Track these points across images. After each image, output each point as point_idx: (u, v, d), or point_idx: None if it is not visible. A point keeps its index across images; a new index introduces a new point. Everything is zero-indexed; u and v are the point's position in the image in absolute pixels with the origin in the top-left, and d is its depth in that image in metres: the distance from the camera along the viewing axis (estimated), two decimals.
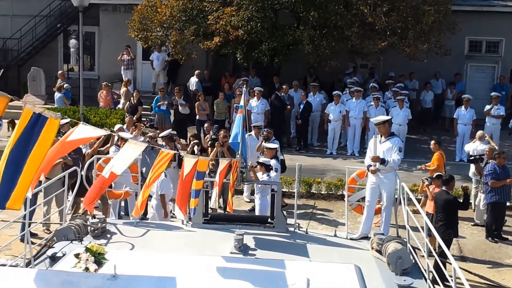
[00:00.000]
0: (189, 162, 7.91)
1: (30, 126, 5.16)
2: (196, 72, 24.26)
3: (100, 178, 6.89)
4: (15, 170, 5.19)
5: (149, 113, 23.48)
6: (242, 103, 10.09)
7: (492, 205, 14.09)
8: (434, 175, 13.00)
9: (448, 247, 12.00)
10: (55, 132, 5.40)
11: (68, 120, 13.42)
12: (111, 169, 6.77)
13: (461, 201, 12.92)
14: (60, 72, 24.64)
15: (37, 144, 5.24)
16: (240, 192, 16.12)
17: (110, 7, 26.62)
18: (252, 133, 16.20)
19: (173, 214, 12.67)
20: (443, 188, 12.36)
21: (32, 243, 8.95)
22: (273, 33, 21.18)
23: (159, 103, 21.72)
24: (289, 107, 21.32)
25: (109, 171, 6.77)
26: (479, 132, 16.57)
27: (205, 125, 17.97)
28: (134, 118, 19.68)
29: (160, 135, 15.71)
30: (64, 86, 23.04)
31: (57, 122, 5.31)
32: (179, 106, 21.79)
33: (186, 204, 8.32)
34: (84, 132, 6.10)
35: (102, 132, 6.18)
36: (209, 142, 15.31)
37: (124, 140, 13.99)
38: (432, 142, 16.05)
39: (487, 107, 20.43)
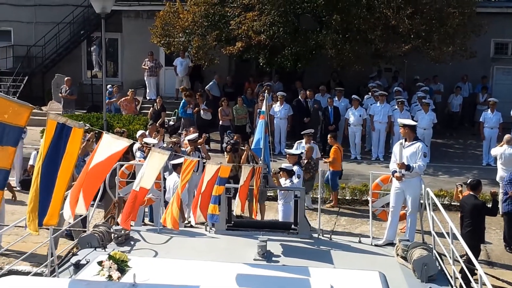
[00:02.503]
0: (211, 168, 7.88)
1: (56, 137, 5.12)
2: (216, 76, 24.28)
3: (132, 194, 6.82)
4: (49, 185, 5.16)
5: (169, 118, 23.45)
6: (264, 108, 10.05)
7: (508, 215, 13.46)
8: (468, 181, 12.37)
9: (477, 253, 11.77)
10: (80, 142, 5.36)
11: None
12: (140, 183, 6.68)
13: (490, 206, 12.60)
14: (67, 78, 24.62)
15: (65, 155, 5.20)
16: (273, 199, 15.85)
17: (132, 14, 26.75)
18: (303, 141, 16.06)
19: (189, 221, 12.59)
20: (471, 192, 12.00)
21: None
22: (296, 38, 21.11)
23: (186, 107, 21.76)
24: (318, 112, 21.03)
25: (139, 185, 6.68)
26: (507, 136, 16.26)
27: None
28: (157, 124, 19.75)
29: (187, 138, 15.71)
30: (108, 87, 23.09)
31: (80, 131, 5.27)
32: (201, 111, 21.80)
33: (207, 209, 8.29)
34: (110, 145, 6.00)
35: (125, 144, 6.09)
36: (228, 147, 15.29)
37: (148, 146, 14.11)
38: (329, 136, 17.28)
39: None
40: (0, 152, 4.61)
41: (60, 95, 24.72)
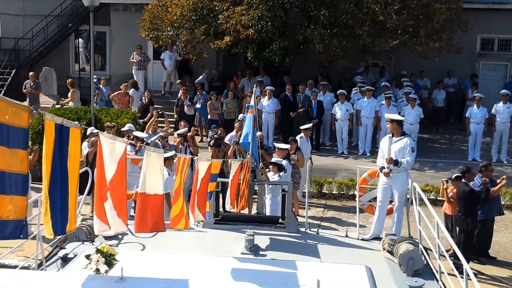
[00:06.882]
0: (203, 165, 7.87)
1: (58, 138, 4.93)
2: (206, 71, 24.31)
3: (138, 199, 6.54)
4: (63, 189, 5.04)
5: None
6: (252, 102, 10.09)
7: (482, 223, 12.65)
8: (453, 176, 12.79)
9: (471, 239, 12.03)
10: (79, 142, 5.27)
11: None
12: (145, 188, 6.42)
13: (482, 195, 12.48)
14: (31, 73, 24.30)
15: (69, 157, 5.06)
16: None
17: (121, 7, 26.66)
18: (303, 134, 16.08)
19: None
20: (462, 180, 12.37)
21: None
22: (284, 32, 21.13)
23: (194, 101, 21.95)
24: (302, 110, 21.04)
25: (144, 190, 6.42)
26: None
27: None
28: (146, 119, 19.78)
29: (176, 132, 15.72)
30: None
31: (78, 131, 5.14)
32: (185, 107, 21.79)
33: (205, 207, 8.32)
34: (111, 149, 5.84)
35: (123, 145, 5.97)
36: (211, 142, 15.30)
37: (139, 140, 14.05)
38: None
39: (498, 105, 20.10)
40: (10, 155, 4.42)
41: (24, 90, 24.23)
